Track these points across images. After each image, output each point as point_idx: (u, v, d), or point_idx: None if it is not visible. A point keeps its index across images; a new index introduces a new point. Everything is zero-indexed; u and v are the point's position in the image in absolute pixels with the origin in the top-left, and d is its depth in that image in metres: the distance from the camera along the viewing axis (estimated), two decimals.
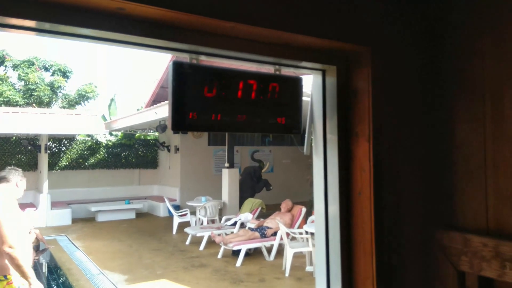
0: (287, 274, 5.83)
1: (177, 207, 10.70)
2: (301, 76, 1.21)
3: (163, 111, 8.42)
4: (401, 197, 1.23)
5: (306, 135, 1.29)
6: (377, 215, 1.13)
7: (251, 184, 9.95)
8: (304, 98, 1.19)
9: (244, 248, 6.52)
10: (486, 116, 1.19)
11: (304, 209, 7.09)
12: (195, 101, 0.97)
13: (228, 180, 9.64)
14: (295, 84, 1.16)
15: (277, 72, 1.13)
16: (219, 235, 7.08)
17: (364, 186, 1.16)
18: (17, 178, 3.11)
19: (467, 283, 1.19)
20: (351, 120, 1.20)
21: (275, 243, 6.71)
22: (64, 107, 14.64)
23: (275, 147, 14.04)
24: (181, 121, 0.96)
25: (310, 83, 1.31)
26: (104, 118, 15.05)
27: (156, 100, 12.79)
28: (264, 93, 1.08)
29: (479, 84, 1.19)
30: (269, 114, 1.09)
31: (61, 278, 6.39)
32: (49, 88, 14.31)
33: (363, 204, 1.16)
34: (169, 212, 11.15)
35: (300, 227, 6.74)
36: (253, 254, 6.94)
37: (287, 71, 1.18)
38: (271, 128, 1.11)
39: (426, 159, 1.29)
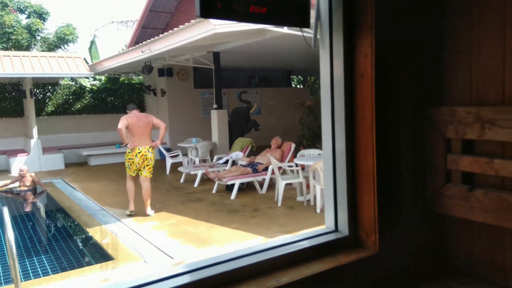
0: (279, 204, 6.25)
1: (168, 150, 10.94)
2: None
3: (149, 50, 8.32)
4: (397, 79, 1.44)
5: (314, 29, 1.46)
6: (377, 95, 1.34)
7: (240, 125, 10.19)
8: None
9: (237, 182, 6.89)
10: (473, 3, 1.41)
11: (293, 145, 7.41)
12: None
13: (217, 121, 9.83)
14: None
15: None
16: (213, 172, 7.40)
17: (367, 69, 1.35)
18: None
19: (452, 148, 1.48)
20: (356, 12, 1.36)
21: (267, 177, 7.09)
22: (43, 51, 14.19)
23: (261, 89, 14.14)
24: (209, 5, 1.06)
25: None
26: (86, 61, 14.69)
27: (137, 41, 12.50)
28: None
29: None
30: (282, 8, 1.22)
31: (63, 215, 6.69)
32: (26, 31, 13.75)
33: (364, 86, 1.36)
34: (161, 154, 11.41)
35: (290, 162, 7.10)
36: (246, 189, 7.33)
37: None
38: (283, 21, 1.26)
39: (420, 43, 1.49)
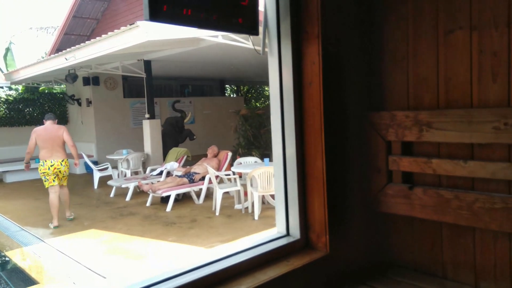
0: (217, 213, 6.17)
1: (95, 163, 10.29)
2: None
3: (73, 56, 7.81)
4: (343, 86, 1.50)
5: (262, 37, 1.46)
6: (325, 101, 1.39)
7: (174, 135, 9.93)
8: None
9: (173, 194, 6.68)
10: (408, 14, 1.51)
11: (230, 153, 7.39)
12: None
13: (150, 131, 9.50)
14: None
15: None
16: (146, 184, 7.10)
17: (314, 76, 1.40)
18: None
19: (393, 150, 1.57)
20: (303, 20, 1.40)
21: (204, 187, 6.97)
22: None
23: (195, 98, 13.97)
24: (158, 9, 1.04)
25: None
26: (0, 70, 13.41)
27: (59, 49, 11.71)
28: None
29: None
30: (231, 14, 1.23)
31: None
32: None
33: (313, 93, 1.41)
34: (87, 168, 10.69)
35: (227, 170, 7.07)
36: (182, 200, 7.14)
37: None
38: (233, 27, 1.27)
39: (363, 52, 1.58)
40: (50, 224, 6.00)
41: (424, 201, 1.48)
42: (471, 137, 1.36)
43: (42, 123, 6.37)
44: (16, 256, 4.99)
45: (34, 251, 5.03)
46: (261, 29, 1.38)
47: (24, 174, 10.52)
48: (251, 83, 17.91)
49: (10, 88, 12.56)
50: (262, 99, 19.74)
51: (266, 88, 19.71)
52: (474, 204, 1.37)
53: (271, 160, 6.59)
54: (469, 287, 1.45)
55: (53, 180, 5.97)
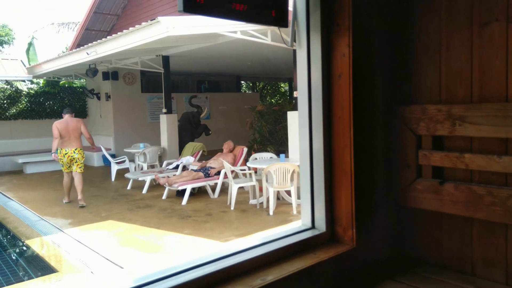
0: (232, 208, 6.21)
1: (112, 156, 10.46)
2: None
3: (95, 51, 7.94)
4: (373, 79, 1.49)
5: (291, 29, 1.46)
6: (354, 94, 1.39)
7: (190, 130, 10.01)
8: None
9: (189, 187, 6.74)
10: (442, 6, 1.48)
11: (245, 149, 7.42)
12: None
13: (167, 125, 9.60)
14: None
15: None
16: (163, 177, 7.19)
17: (344, 69, 1.39)
18: None
19: (423, 144, 1.55)
20: (333, 12, 1.40)
21: (219, 181, 7.01)
22: None
23: (211, 94, 14.04)
24: (192, 1, 1.06)
25: None
26: (23, 63, 13.72)
27: (80, 44, 11.91)
28: None
29: None
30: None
31: None
32: None
33: (342, 85, 1.41)
34: (105, 161, 10.88)
35: (242, 165, 7.09)
36: (197, 194, 7.21)
37: None
38: (266, 20, 1.28)
39: (394, 44, 1.56)
40: (63, 200, 7.08)
41: (455, 197, 1.46)
42: (507, 131, 1.34)
43: (61, 116, 7.03)
44: (35, 245, 5.12)
45: (53, 241, 5.15)
46: (290, 21, 1.39)
47: (44, 165, 10.79)
48: (267, 79, 17.90)
49: (32, 82, 12.85)
50: (278, 95, 19.71)
51: (282, 85, 19.67)
52: (508, 200, 1.34)
53: (287, 156, 6.58)
54: (500, 285, 1.43)
55: (68, 167, 6.91)
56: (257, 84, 19.04)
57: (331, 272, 1.39)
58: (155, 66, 9.40)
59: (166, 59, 9.30)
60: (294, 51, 6.02)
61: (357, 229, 1.43)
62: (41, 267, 4.45)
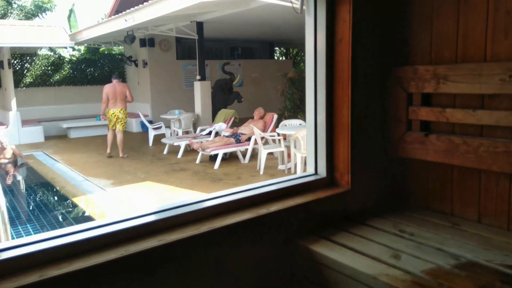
0: (261, 173, 6.43)
1: (149, 122, 10.90)
2: None
3: (132, 18, 8.18)
4: (371, 43, 1.63)
5: None
6: (353, 56, 1.55)
7: (223, 97, 10.20)
8: None
9: (221, 152, 7.01)
10: None
11: (275, 116, 7.54)
12: None
13: (201, 92, 9.82)
14: None
15: None
16: (197, 142, 7.49)
17: (344, 34, 1.56)
18: None
19: (413, 101, 1.72)
20: None
21: (249, 147, 7.23)
22: (21, 20, 13.66)
23: (244, 61, 14.07)
24: None
25: None
26: (64, 31, 14.26)
27: (118, 10, 12.18)
28: None
29: None
30: None
31: (47, 186, 6.72)
32: None
33: (343, 49, 1.57)
34: (143, 127, 11.36)
35: (272, 132, 7.24)
36: (229, 159, 7.48)
37: None
38: None
39: (391, 11, 1.69)
40: (106, 153, 8.24)
41: (437, 146, 1.64)
42: (480, 88, 1.49)
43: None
44: (81, 202, 5.61)
45: (96, 198, 5.62)
46: None
47: (87, 130, 11.44)
48: (301, 45, 17.58)
49: (73, 49, 13.38)
50: None
51: None
52: (479, 148, 1.51)
53: None
54: (473, 222, 1.62)
55: (112, 125, 8.16)
56: (291, 51, 18.77)
57: (327, 208, 1.63)
58: (190, 32, 9.53)
59: (200, 25, 9.38)
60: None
61: (352, 175, 1.64)
62: (86, 221, 4.91)
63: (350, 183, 1.65)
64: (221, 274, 1.30)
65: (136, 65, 12.67)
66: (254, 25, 10.15)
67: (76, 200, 5.68)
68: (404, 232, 1.56)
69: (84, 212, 5.24)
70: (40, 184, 6.95)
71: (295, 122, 7.32)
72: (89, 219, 4.96)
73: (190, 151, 8.10)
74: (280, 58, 18.95)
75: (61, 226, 4.83)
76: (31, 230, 4.66)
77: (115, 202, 5.41)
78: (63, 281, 0.97)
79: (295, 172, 6.16)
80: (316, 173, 1.73)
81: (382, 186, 1.81)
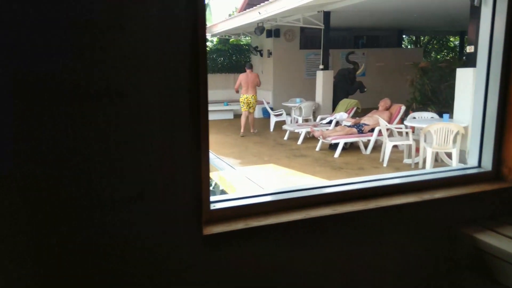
0: (385, 165, 6.28)
1: (271, 109, 11.38)
2: None
3: (265, 10, 8.63)
4: None
5: None
6: None
7: (345, 86, 10.10)
8: None
9: (342, 141, 7.03)
10: None
11: (403, 107, 7.22)
12: None
13: (323, 82, 9.89)
14: None
15: None
16: (318, 130, 7.63)
17: None
18: None
19: None
20: None
21: (372, 138, 7.09)
22: None
23: (368, 50, 13.63)
24: None
25: None
26: None
27: (250, 3, 12.89)
28: None
29: None
30: None
31: None
32: None
33: None
34: (264, 113, 11.95)
35: (398, 124, 6.97)
36: (349, 149, 7.44)
37: None
38: None
39: None
40: (240, 132, 9.52)
41: None
42: None
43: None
44: (215, 177, 6.24)
45: (227, 175, 6.19)
46: None
47: (216, 114, 12.48)
48: (433, 33, 16.23)
49: (207, 40, 14.65)
50: (445, 51, 17.73)
51: (452, 39, 17.58)
52: None
53: (451, 116, 6.19)
54: None
55: (245, 109, 9.51)
56: (421, 39, 17.46)
57: (492, 202, 1.57)
58: (316, 22, 9.63)
59: (327, 15, 9.41)
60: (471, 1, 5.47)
61: None
62: (219, 193, 5.49)
63: None
64: (382, 244, 1.41)
65: (261, 55, 13.29)
66: (384, 13, 9.76)
67: (210, 175, 6.34)
68: None
69: (216, 185, 5.84)
70: None
71: (426, 115, 6.91)
72: (222, 191, 5.53)
73: (309, 138, 8.28)
74: (409, 47, 17.80)
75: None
76: None
77: (243, 180, 5.90)
78: (262, 231, 1.22)
79: (423, 168, 5.87)
80: (479, 166, 1.68)
81: None
